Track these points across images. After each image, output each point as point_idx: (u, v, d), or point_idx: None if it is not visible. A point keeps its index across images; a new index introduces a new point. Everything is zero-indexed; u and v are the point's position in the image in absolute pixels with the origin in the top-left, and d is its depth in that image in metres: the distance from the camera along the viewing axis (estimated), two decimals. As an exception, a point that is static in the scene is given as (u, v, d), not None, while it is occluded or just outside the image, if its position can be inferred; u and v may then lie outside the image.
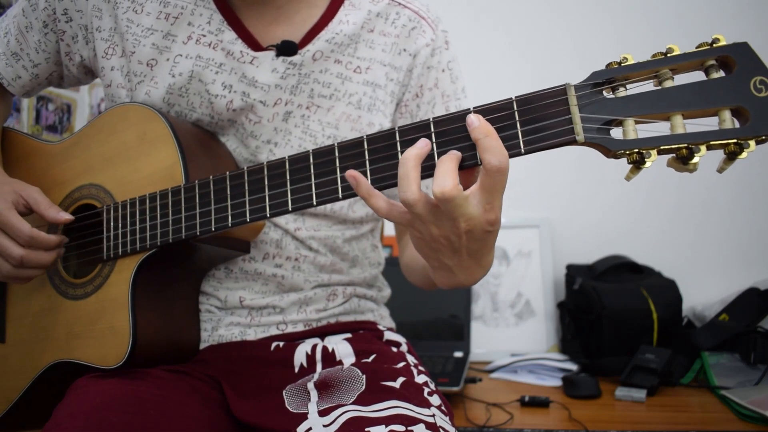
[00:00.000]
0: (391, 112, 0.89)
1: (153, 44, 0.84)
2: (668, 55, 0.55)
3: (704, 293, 1.68)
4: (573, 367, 1.51)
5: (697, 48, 0.55)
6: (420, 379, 0.80)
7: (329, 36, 0.85)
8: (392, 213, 0.62)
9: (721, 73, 0.54)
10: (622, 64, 0.56)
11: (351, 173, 0.61)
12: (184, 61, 0.84)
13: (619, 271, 1.68)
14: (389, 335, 0.92)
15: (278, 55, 0.83)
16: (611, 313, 1.51)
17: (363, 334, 0.89)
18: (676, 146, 0.54)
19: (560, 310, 1.73)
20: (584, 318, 1.59)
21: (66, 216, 0.80)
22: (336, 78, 0.85)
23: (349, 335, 0.88)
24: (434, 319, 1.70)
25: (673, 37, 1.80)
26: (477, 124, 0.57)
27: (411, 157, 0.59)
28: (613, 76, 0.56)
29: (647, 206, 1.83)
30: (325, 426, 0.69)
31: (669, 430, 1.16)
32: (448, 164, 0.57)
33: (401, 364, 0.82)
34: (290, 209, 0.68)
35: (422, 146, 0.60)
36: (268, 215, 0.69)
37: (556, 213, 1.85)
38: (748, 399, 1.22)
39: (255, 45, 0.84)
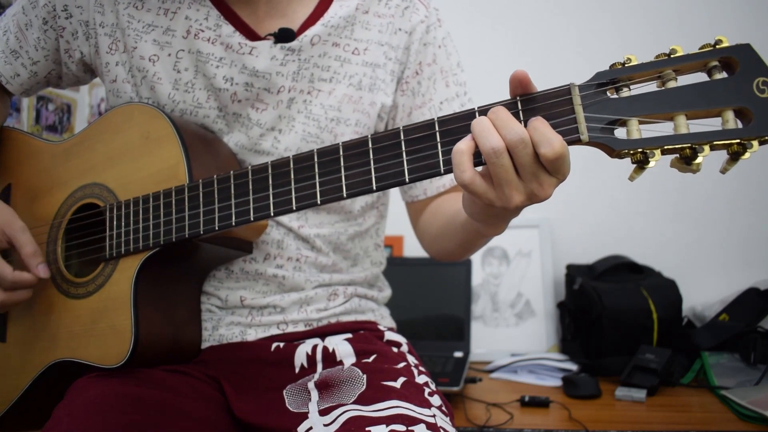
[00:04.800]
0: (392, 90, 0.90)
1: (154, 40, 0.85)
2: (671, 56, 0.56)
3: (704, 293, 1.68)
4: (573, 367, 1.51)
5: (700, 49, 0.55)
6: (421, 379, 0.80)
7: (325, 20, 0.86)
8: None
9: (724, 74, 0.55)
10: (626, 65, 0.57)
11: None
12: (187, 56, 0.85)
13: (619, 271, 1.68)
14: (390, 335, 0.92)
15: (276, 42, 0.84)
16: (611, 313, 1.51)
17: (363, 335, 0.89)
18: (679, 146, 0.54)
19: (560, 310, 1.73)
20: (584, 318, 1.59)
21: (45, 273, 0.82)
22: (335, 61, 0.87)
23: (349, 335, 0.88)
24: (434, 319, 1.70)
25: (674, 35, 1.81)
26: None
27: (465, 149, 0.59)
28: (616, 76, 0.57)
29: (647, 206, 1.83)
30: (325, 425, 0.69)
31: (669, 430, 1.16)
32: (544, 124, 0.57)
33: (402, 365, 0.82)
34: (294, 208, 0.68)
35: (470, 140, 0.59)
36: (272, 214, 0.69)
37: (556, 213, 1.85)
38: (748, 399, 1.22)
39: (253, 36, 0.85)
